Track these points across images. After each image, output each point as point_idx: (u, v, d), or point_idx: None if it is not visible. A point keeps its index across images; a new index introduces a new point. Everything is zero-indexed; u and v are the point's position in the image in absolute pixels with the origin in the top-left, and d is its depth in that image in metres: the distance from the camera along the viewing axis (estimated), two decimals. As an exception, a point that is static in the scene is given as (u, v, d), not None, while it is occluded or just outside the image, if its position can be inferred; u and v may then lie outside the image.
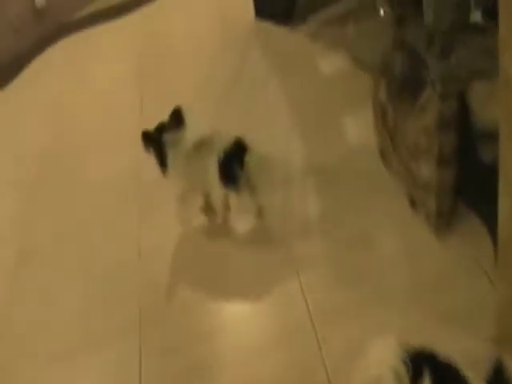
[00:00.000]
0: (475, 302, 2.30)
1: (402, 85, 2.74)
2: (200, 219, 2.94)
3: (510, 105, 1.72)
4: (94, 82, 4.47)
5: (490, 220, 2.43)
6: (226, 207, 2.87)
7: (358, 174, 3.02)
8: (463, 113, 2.45)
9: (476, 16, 2.55)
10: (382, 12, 3.85)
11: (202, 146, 2.64)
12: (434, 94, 2.40)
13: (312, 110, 3.58)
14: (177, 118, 2.65)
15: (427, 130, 2.49)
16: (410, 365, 1.68)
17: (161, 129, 2.68)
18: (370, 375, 1.76)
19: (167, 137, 2.64)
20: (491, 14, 2.34)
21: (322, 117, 3.49)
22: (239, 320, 2.56)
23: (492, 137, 1.91)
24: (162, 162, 2.67)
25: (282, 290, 2.57)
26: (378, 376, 1.73)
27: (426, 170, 2.53)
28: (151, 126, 2.74)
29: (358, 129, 3.45)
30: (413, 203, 2.79)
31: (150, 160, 2.73)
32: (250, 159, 2.56)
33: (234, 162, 2.55)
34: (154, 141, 2.67)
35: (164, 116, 2.73)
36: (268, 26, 4.43)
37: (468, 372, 1.67)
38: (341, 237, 2.73)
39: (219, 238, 2.89)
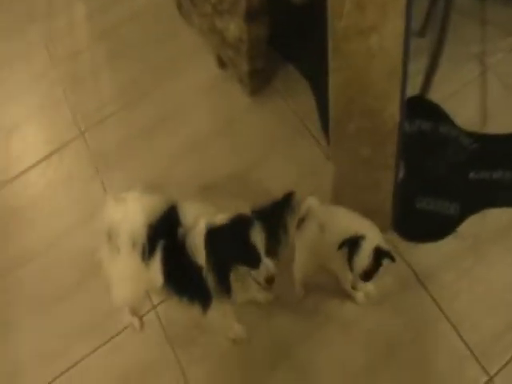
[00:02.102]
0: (305, 163, 2.24)
1: None
2: None
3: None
4: None
5: (308, 69, 2.32)
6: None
7: (155, 37, 2.67)
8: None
9: None
10: None
11: None
12: None
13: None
14: None
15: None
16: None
17: None
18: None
19: None
20: None
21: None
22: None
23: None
24: None
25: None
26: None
27: (234, 27, 2.21)
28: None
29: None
30: (222, 63, 2.50)
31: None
32: None
33: None
34: None
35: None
36: None
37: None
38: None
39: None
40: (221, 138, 2.37)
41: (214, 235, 1.52)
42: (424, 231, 2.08)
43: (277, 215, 1.57)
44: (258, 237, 1.53)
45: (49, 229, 2.26)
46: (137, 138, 2.42)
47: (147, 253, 1.67)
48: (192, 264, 1.59)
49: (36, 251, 2.22)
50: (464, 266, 1.98)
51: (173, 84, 2.53)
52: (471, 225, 2.06)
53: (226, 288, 1.57)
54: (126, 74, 2.60)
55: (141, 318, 2.03)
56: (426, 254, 2.02)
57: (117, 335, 2.02)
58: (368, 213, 2.01)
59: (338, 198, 2.04)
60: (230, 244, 1.53)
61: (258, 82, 2.41)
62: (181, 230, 1.62)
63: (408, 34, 1.49)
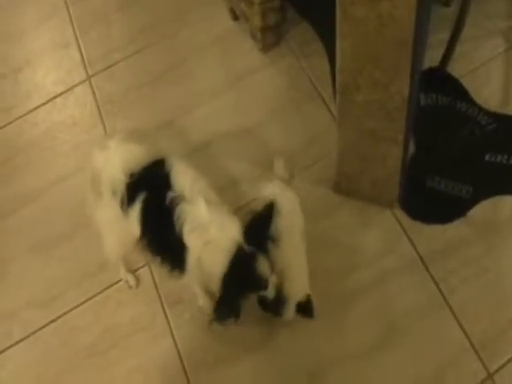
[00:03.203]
0: (313, 127, 2.17)
1: None
2: None
3: None
4: None
5: (324, 29, 2.21)
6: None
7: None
8: None
9: None
10: None
11: None
12: None
13: None
14: None
15: None
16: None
17: None
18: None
19: None
20: None
21: None
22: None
23: None
24: None
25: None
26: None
27: None
28: None
29: None
30: (235, 16, 2.38)
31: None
32: None
33: None
34: None
35: None
36: None
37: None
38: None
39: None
40: (228, 93, 2.27)
41: (230, 278, 1.54)
42: (432, 211, 1.98)
43: (264, 231, 1.62)
44: (264, 265, 1.56)
45: (48, 172, 2.20)
46: (143, 87, 2.33)
47: (126, 202, 1.61)
48: (174, 231, 1.55)
49: (36, 192, 2.16)
50: (471, 253, 1.88)
51: (183, 34, 2.42)
52: (483, 210, 1.95)
53: (235, 315, 1.62)
54: (137, 22, 2.49)
55: (136, 276, 1.98)
56: (432, 235, 1.92)
57: (108, 288, 1.97)
58: (373, 184, 1.96)
59: (343, 167, 1.94)
60: (242, 281, 1.56)
61: (271, 38, 2.29)
62: (171, 194, 1.56)
63: (424, 4, 1.39)
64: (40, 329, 1.95)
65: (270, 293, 1.61)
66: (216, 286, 1.57)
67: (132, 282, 1.97)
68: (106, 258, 1.88)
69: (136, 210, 1.61)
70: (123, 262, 1.96)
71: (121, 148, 1.67)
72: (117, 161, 1.63)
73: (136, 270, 2.00)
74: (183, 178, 1.60)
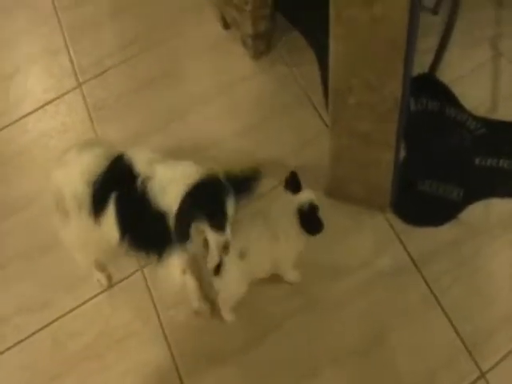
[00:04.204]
0: (304, 133, 2.19)
1: None
2: None
3: None
4: None
5: (314, 37, 2.25)
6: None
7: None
8: None
9: None
10: None
11: None
12: None
13: None
14: None
15: None
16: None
17: None
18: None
19: None
20: None
21: None
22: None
23: None
24: None
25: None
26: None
27: None
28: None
29: None
30: (226, 24, 2.40)
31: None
32: None
33: None
34: None
35: None
36: None
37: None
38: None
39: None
40: (219, 99, 2.29)
41: (193, 190, 1.51)
42: (424, 214, 2.00)
43: (245, 189, 1.57)
44: (231, 205, 1.53)
45: (39, 178, 2.16)
46: (134, 93, 2.34)
47: (96, 210, 1.61)
48: (150, 214, 1.55)
49: (28, 198, 2.16)
50: (462, 254, 1.90)
51: (175, 41, 2.44)
52: (473, 213, 1.97)
53: (185, 235, 1.56)
54: (129, 28, 2.49)
55: (109, 275, 1.98)
56: (424, 238, 1.94)
57: (101, 293, 1.97)
58: (366, 189, 1.98)
59: (335, 171, 1.96)
60: (206, 199, 1.52)
61: (262, 45, 2.31)
62: (139, 180, 1.57)
63: (415, 6, 1.41)
64: (33, 333, 1.94)
65: (218, 241, 1.53)
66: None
67: (103, 281, 1.97)
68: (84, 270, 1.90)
69: (110, 212, 1.60)
70: (95, 262, 1.95)
71: (78, 160, 1.65)
72: (76, 174, 1.62)
73: (124, 279, 2.00)
74: (142, 162, 1.60)
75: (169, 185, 1.55)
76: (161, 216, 1.55)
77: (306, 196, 1.67)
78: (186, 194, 1.51)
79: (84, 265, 1.90)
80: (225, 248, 1.57)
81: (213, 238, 1.56)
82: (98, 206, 1.61)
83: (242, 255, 1.65)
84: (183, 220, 1.54)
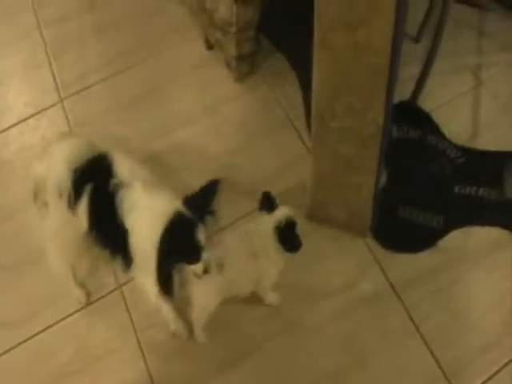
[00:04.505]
0: (286, 155, 2.20)
1: None
2: None
3: None
4: None
5: (297, 60, 2.28)
6: None
7: (145, 11, 2.59)
8: None
9: None
10: None
11: None
12: None
13: None
14: None
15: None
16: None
17: None
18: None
19: None
20: None
21: None
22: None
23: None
24: None
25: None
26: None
27: (224, 9, 2.11)
28: None
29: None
30: (209, 45, 2.41)
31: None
32: None
33: None
34: None
35: None
36: None
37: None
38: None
39: None
40: (202, 119, 2.30)
41: (165, 239, 1.51)
42: (404, 241, 2.01)
43: (207, 205, 1.58)
44: (201, 235, 1.55)
45: (20, 191, 2.12)
46: (116, 110, 2.34)
47: (74, 198, 1.62)
48: (118, 219, 1.57)
49: (8, 212, 2.15)
50: (442, 281, 1.91)
51: (159, 61, 2.44)
52: (453, 240, 1.99)
53: (168, 288, 1.59)
54: (112, 45, 2.49)
55: (88, 292, 1.97)
56: (404, 264, 1.94)
57: (80, 310, 1.95)
58: (346, 213, 1.98)
59: (316, 194, 1.96)
60: (179, 246, 1.53)
61: (246, 67, 2.32)
62: (113, 181, 1.58)
63: (399, 33, 1.42)
64: (11, 349, 1.91)
65: (198, 268, 1.56)
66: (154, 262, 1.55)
67: (82, 298, 1.95)
68: (53, 270, 1.86)
69: (83, 202, 1.61)
70: (73, 276, 1.94)
71: (62, 145, 1.69)
72: (60, 158, 1.63)
73: (103, 296, 1.97)
74: (123, 167, 1.62)
75: (138, 210, 1.56)
76: (124, 229, 1.57)
77: (282, 213, 1.66)
78: (161, 247, 1.52)
79: (60, 271, 1.87)
80: (205, 271, 1.59)
81: (193, 268, 1.59)
82: (75, 194, 1.62)
83: (219, 266, 1.63)
84: (164, 271, 1.57)
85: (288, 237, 1.66)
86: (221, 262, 1.64)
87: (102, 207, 1.61)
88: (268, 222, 1.67)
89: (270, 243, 1.67)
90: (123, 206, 1.57)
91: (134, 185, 1.58)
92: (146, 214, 1.56)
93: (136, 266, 1.63)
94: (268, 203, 1.69)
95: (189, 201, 1.57)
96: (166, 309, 1.78)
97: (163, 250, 1.52)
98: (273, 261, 1.72)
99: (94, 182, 1.61)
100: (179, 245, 1.54)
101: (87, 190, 1.61)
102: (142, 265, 1.61)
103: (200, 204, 1.57)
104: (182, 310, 1.82)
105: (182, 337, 1.86)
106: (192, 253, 1.56)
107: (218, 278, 1.64)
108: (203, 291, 1.69)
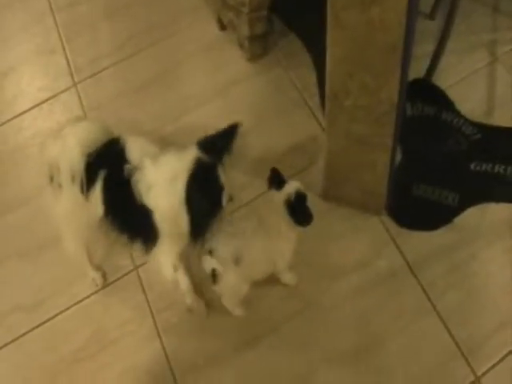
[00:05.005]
0: (299, 135, 2.19)
1: None
2: None
3: None
4: None
5: (310, 40, 2.27)
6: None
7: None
8: None
9: None
10: None
11: None
12: None
13: None
14: None
15: None
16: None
17: None
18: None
19: None
20: None
21: None
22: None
23: None
24: None
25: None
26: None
27: None
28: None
29: None
30: (222, 26, 2.40)
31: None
32: None
33: None
34: None
35: None
36: None
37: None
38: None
39: None
40: (215, 100, 2.29)
41: (191, 186, 1.55)
42: (419, 219, 2.00)
43: (225, 147, 1.64)
44: (222, 175, 1.61)
45: (35, 177, 2.15)
46: (130, 93, 2.34)
47: (86, 184, 1.64)
48: (136, 202, 1.58)
49: (23, 198, 2.16)
50: (458, 259, 1.91)
51: (171, 43, 2.44)
52: (469, 217, 1.98)
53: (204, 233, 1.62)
54: (125, 29, 2.49)
55: (104, 274, 1.98)
56: (420, 242, 1.94)
57: (95, 293, 1.97)
58: (361, 192, 1.97)
59: (331, 173, 1.96)
60: (205, 190, 1.58)
61: (259, 48, 2.32)
62: (128, 166, 1.60)
63: (413, 10, 1.41)
64: (26, 333, 1.94)
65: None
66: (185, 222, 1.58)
67: (98, 280, 1.97)
68: (68, 253, 1.88)
69: (98, 188, 1.63)
70: (89, 259, 1.96)
71: (75, 129, 1.70)
72: (74, 142, 1.65)
73: (119, 278, 1.99)
74: (135, 152, 1.64)
75: (156, 183, 1.59)
76: (145, 211, 1.59)
77: (291, 187, 1.67)
78: (188, 194, 1.56)
79: (75, 253, 1.89)
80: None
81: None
82: (88, 179, 1.64)
83: (237, 261, 1.65)
84: (196, 218, 1.60)
85: (299, 209, 1.66)
86: (237, 257, 1.65)
87: (118, 193, 1.63)
88: (278, 197, 1.68)
89: (282, 218, 1.67)
90: (140, 188, 1.58)
91: (145, 164, 1.60)
92: (165, 180, 1.58)
93: (161, 242, 1.65)
94: (276, 179, 1.70)
95: (204, 143, 1.62)
96: (182, 283, 1.80)
97: (191, 197, 1.55)
98: (285, 236, 1.72)
99: (108, 168, 1.63)
100: (205, 189, 1.58)
101: (101, 176, 1.62)
102: (169, 235, 1.64)
103: (217, 146, 1.62)
104: (197, 285, 1.84)
105: (198, 312, 1.87)
106: (216, 194, 1.61)
107: (239, 269, 1.66)
108: (230, 284, 1.71)
